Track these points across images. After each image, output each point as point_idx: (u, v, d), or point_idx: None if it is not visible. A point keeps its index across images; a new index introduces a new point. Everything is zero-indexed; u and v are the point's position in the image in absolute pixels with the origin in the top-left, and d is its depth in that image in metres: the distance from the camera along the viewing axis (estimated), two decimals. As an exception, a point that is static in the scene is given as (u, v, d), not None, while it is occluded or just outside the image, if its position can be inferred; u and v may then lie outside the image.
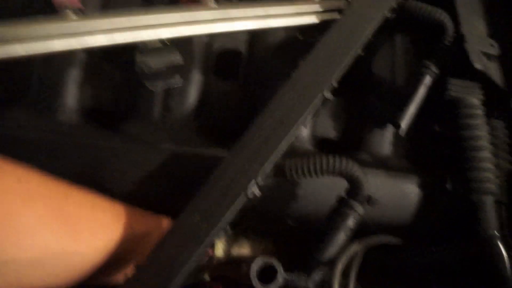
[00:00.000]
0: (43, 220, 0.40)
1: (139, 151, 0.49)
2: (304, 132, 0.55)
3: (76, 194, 0.44)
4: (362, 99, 0.58)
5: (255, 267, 0.39)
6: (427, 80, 0.54)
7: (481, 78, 0.54)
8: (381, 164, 0.57)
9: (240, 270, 0.42)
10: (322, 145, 0.57)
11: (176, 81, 0.52)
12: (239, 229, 0.56)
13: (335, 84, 0.46)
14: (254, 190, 0.41)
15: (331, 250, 0.44)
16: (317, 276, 0.43)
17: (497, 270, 0.50)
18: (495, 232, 0.51)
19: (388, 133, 0.58)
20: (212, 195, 0.41)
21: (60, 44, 0.43)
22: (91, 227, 0.44)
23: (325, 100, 0.45)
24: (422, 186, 0.56)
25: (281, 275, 0.39)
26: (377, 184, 0.53)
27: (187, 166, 0.48)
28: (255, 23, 0.51)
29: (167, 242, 0.39)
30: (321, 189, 0.50)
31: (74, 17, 0.45)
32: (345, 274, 0.45)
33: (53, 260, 0.41)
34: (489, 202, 0.53)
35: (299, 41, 0.55)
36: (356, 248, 0.47)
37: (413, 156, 0.58)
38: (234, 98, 0.54)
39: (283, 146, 0.43)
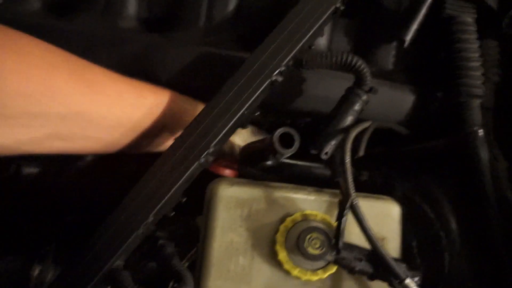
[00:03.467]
0: (69, 84, 0.48)
1: (180, 50, 0.60)
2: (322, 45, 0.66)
3: (100, 69, 0.53)
4: (370, 19, 0.68)
5: (277, 134, 0.50)
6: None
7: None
8: (386, 76, 0.67)
9: (263, 141, 0.54)
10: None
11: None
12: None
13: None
14: (277, 77, 0.52)
15: (341, 127, 0.55)
16: (327, 148, 0.55)
17: (477, 160, 0.61)
18: (478, 128, 0.62)
19: (392, 50, 0.68)
20: (242, 80, 0.51)
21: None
22: (117, 93, 0.53)
23: (340, 5, 0.55)
24: (418, 94, 0.66)
25: (297, 141, 0.51)
26: (382, 92, 0.64)
27: (219, 64, 0.59)
28: None
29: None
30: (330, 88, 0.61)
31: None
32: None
33: (83, 118, 0.50)
34: (475, 103, 0.63)
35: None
36: (367, 124, 0.58)
37: (412, 69, 0.68)
38: (268, 9, 0.64)
39: (304, 43, 0.53)
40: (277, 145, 0.50)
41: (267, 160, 0.55)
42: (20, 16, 0.62)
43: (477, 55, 0.63)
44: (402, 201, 0.63)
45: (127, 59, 0.60)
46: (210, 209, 0.54)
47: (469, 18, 0.64)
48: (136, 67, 0.60)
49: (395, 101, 0.67)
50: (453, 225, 0.63)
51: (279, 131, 0.51)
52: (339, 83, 0.60)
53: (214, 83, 0.55)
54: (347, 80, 0.59)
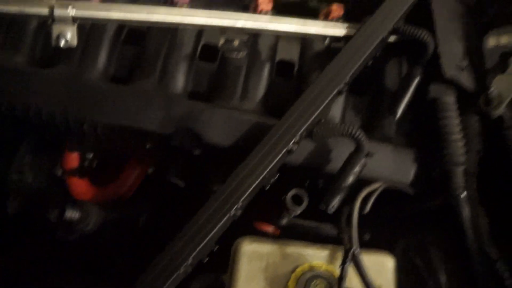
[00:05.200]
0: None
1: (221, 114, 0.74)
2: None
3: None
4: (374, 96, 0.82)
5: (290, 194, 0.62)
6: (415, 82, 0.77)
7: (455, 84, 0.76)
8: (388, 140, 0.79)
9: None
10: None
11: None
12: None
13: (348, 80, 0.69)
14: (293, 146, 0.65)
15: (344, 185, 0.66)
16: (334, 204, 0.66)
17: (461, 218, 0.71)
18: (462, 192, 0.73)
19: (392, 120, 0.81)
20: (265, 149, 0.64)
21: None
22: None
23: (343, 88, 0.69)
24: (416, 158, 0.77)
25: (306, 200, 0.62)
26: (384, 153, 0.76)
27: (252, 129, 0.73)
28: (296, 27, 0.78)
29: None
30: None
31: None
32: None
33: None
34: (458, 170, 0.74)
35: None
36: (378, 185, 0.69)
37: (409, 136, 0.80)
38: (290, 91, 0.79)
39: (312, 119, 0.67)
40: (289, 204, 0.62)
41: (283, 217, 0.66)
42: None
43: (458, 129, 0.75)
44: (399, 255, 0.73)
45: (175, 119, 0.72)
46: (235, 262, 0.66)
47: (450, 98, 0.77)
48: (182, 126, 0.72)
49: (395, 161, 0.78)
50: (443, 277, 0.72)
51: (291, 193, 0.63)
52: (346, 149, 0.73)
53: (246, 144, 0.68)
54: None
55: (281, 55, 0.82)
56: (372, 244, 0.75)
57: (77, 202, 0.81)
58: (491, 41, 0.81)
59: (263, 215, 0.73)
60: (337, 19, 0.82)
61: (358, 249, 0.63)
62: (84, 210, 0.80)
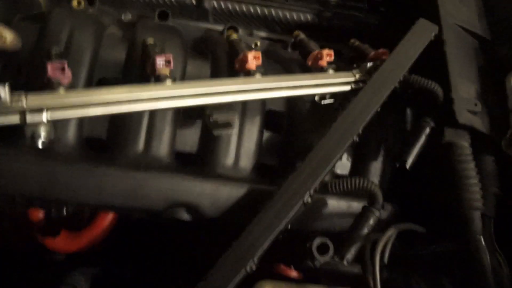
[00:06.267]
0: None
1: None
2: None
3: None
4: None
5: (315, 243, 0.63)
6: (427, 130, 0.77)
7: (469, 128, 0.77)
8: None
9: (303, 247, 0.66)
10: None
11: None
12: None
13: (360, 132, 0.71)
14: (307, 199, 0.66)
15: (359, 238, 0.67)
16: (349, 256, 0.66)
17: (481, 267, 0.71)
18: (481, 238, 0.72)
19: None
20: (279, 202, 0.65)
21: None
22: None
23: (353, 142, 0.70)
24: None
25: (332, 250, 0.63)
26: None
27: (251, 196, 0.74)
28: (293, 91, 0.76)
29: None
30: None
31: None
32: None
33: None
34: (475, 215, 0.73)
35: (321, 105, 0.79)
36: (390, 232, 0.69)
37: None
38: (278, 145, 0.80)
39: (327, 171, 0.67)
40: (315, 253, 0.62)
41: (306, 265, 0.66)
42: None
43: (474, 173, 0.75)
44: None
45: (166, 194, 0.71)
46: (256, 308, 0.65)
47: (465, 142, 0.77)
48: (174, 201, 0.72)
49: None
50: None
51: (316, 242, 0.63)
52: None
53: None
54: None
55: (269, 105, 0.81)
56: (389, 282, 0.74)
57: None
58: (513, 81, 0.81)
59: (282, 256, 0.74)
60: (328, 65, 0.81)
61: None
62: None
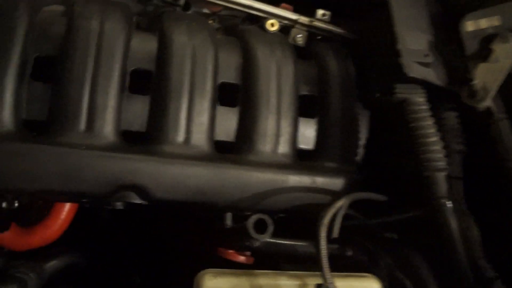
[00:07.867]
0: None
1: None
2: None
3: None
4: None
5: (251, 220, 0.55)
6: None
7: (421, 81, 0.69)
8: None
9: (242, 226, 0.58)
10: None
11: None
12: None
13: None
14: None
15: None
16: None
17: (448, 231, 0.63)
18: (445, 200, 0.65)
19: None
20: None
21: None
22: None
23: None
24: None
25: (271, 228, 0.55)
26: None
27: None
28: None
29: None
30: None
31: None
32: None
33: None
34: (440, 176, 0.66)
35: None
36: (340, 202, 0.62)
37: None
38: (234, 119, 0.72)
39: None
40: (252, 231, 0.54)
41: (244, 246, 0.58)
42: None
43: (433, 130, 0.67)
44: (386, 277, 0.65)
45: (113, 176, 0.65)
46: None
47: (419, 98, 0.69)
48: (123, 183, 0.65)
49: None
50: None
51: (253, 218, 0.55)
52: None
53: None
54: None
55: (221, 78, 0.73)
56: (354, 259, 0.70)
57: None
58: (469, 26, 0.74)
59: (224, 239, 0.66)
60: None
61: (332, 283, 0.55)
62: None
